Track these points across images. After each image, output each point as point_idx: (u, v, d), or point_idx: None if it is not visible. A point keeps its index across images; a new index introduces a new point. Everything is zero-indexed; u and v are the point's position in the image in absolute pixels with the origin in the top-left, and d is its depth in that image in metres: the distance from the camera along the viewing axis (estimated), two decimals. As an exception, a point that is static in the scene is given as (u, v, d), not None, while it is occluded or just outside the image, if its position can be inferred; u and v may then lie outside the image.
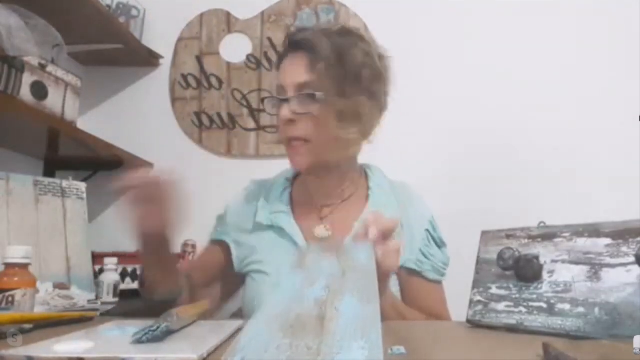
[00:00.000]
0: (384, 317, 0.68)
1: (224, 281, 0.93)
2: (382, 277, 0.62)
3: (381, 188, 0.89)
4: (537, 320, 0.55)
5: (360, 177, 0.92)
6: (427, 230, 0.86)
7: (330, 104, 0.77)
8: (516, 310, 0.58)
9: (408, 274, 0.84)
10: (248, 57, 1.62)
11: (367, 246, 0.55)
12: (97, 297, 1.04)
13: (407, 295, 0.84)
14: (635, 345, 0.39)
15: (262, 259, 0.86)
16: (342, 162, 0.85)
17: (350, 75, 0.78)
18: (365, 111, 0.80)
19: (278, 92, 0.83)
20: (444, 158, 1.52)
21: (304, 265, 0.52)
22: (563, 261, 0.56)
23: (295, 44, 0.82)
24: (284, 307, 0.40)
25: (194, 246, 1.45)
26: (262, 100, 0.90)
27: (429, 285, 0.85)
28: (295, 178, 0.95)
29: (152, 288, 0.76)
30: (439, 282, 0.88)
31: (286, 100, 0.80)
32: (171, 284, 0.78)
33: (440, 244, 0.88)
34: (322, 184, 0.88)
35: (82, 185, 1.10)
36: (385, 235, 0.58)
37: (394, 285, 0.82)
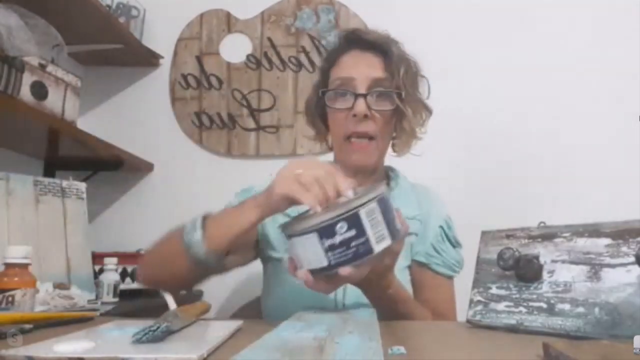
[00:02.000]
0: (391, 303, 0.69)
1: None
2: (380, 274, 0.64)
3: (401, 188, 0.91)
4: (537, 320, 0.55)
5: (383, 177, 0.94)
6: (441, 227, 0.87)
7: (408, 102, 0.82)
8: (516, 310, 0.58)
9: (417, 266, 0.85)
10: (248, 57, 1.62)
11: (371, 310, 0.61)
12: (97, 297, 1.04)
13: (415, 289, 0.84)
14: (635, 345, 0.38)
15: (277, 246, 0.87)
16: (381, 163, 0.90)
17: (415, 81, 0.86)
18: (423, 116, 0.88)
19: (343, 84, 0.83)
20: (444, 158, 1.51)
21: (305, 318, 0.54)
22: (563, 261, 0.56)
23: (366, 43, 0.84)
24: (282, 341, 0.40)
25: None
26: (323, 92, 0.85)
27: (436, 278, 0.85)
28: None
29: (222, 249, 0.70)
30: (448, 277, 0.87)
31: (361, 95, 0.80)
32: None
33: (454, 244, 0.89)
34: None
35: (82, 185, 1.10)
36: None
37: (406, 282, 0.83)
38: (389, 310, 0.69)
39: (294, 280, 0.82)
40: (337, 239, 0.53)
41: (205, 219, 0.69)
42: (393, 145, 0.92)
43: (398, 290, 0.70)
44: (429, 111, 0.90)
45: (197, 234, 0.67)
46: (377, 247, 0.54)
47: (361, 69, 0.82)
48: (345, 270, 0.55)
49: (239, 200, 0.90)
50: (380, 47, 0.84)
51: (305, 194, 0.59)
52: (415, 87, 0.86)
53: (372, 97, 0.81)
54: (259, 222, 0.68)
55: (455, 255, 0.88)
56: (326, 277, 0.57)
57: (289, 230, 0.59)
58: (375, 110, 0.81)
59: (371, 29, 0.90)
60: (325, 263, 0.55)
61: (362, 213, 0.54)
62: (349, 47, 0.86)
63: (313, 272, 0.57)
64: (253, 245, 0.89)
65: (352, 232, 0.53)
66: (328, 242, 0.54)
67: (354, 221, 0.53)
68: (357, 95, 0.80)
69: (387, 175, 0.95)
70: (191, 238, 0.67)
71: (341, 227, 0.53)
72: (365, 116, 0.80)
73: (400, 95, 0.82)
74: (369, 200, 0.54)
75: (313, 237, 0.54)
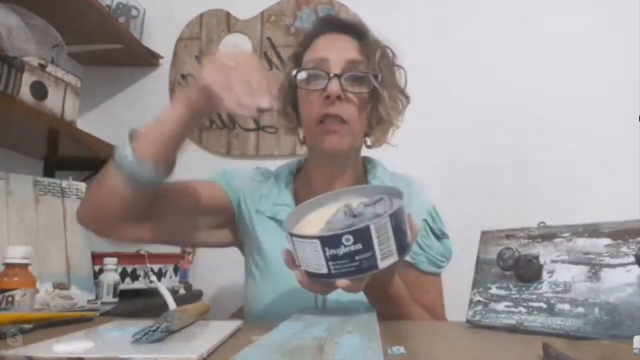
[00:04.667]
0: (390, 302, 0.67)
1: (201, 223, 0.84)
2: (383, 277, 0.62)
3: (380, 181, 0.87)
4: (537, 321, 0.55)
5: (361, 170, 0.90)
6: (425, 221, 0.84)
7: (385, 87, 0.79)
8: (516, 310, 0.58)
9: (403, 265, 0.79)
10: (248, 57, 1.62)
11: (370, 310, 0.60)
12: (97, 297, 1.04)
13: None
14: (635, 346, 0.38)
15: (263, 248, 0.83)
16: (357, 153, 0.86)
17: (391, 69, 0.83)
18: (400, 104, 0.85)
19: (316, 66, 0.79)
20: (444, 158, 1.52)
21: (304, 319, 0.54)
22: (563, 261, 0.56)
23: (341, 25, 0.82)
24: (282, 341, 0.40)
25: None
26: (295, 74, 0.81)
27: (423, 277, 0.83)
28: (297, 172, 0.93)
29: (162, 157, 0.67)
30: (434, 275, 0.85)
31: (336, 76, 0.76)
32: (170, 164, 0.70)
33: (440, 236, 0.86)
34: (331, 176, 0.85)
35: (82, 186, 1.10)
36: None
37: None
38: (388, 308, 0.68)
39: (272, 282, 0.80)
40: (342, 250, 0.51)
41: (133, 132, 0.67)
42: (370, 136, 0.88)
43: (398, 289, 0.69)
44: (406, 98, 0.86)
45: (126, 147, 0.65)
46: (382, 264, 0.52)
47: (335, 50, 0.78)
48: (343, 283, 0.53)
49: (224, 177, 0.88)
50: (355, 30, 0.81)
51: (226, 94, 0.56)
52: (392, 74, 0.83)
53: (347, 79, 0.77)
54: (189, 118, 0.65)
55: (441, 249, 0.84)
56: (323, 283, 0.55)
57: (290, 228, 0.57)
58: (350, 92, 0.77)
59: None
60: (324, 271, 0.52)
61: (373, 228, 0.50)
62: (324, 30, 0.82)
63: (310, 274, 0.55)
64: (226, 224, 0.86)
65: (359, 247, 0.50)
66: (331, 252, 0.51)
67: (362, 236, 0.50)
68: (331, 76, 0.76)
69: (365, 167, 0.91)
70: (121, 153, 0.65)
71: (348, 239, 0.50)
72: (339, 98, 0.75)
73: (377, 78, 0.78)
74: (383, 215, 0.52)
75: (316, 244, 0.52)
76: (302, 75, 0.80)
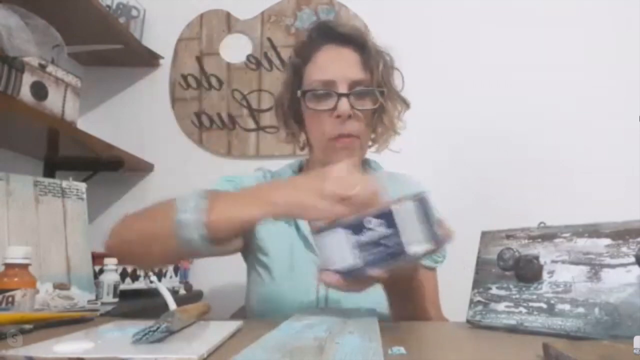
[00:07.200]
0: (412, 295, 0.66)
1: None
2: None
3: (380, 179, 0.87)
4: (537, 321, 0.55)
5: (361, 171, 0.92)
6: None
7: (388, 98, 0.82)
8: (516, 310, 0.58)
9: None
10: (248, 57, 1.62)
11: (371, 310, 0.60)
12: (97, 297, 1.04)
13: None
14: (635, 346, 0.38)
15: (267, 249, 0.84)
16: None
17: (391, 75, 0.85)
18: (400, 109, 0.87)
19: (323, 87, 0.79)
20: (444, 158, 1.52)
21: (305, 319, 0.54)
22: (563, 261, 0.56)
23: (340, 37, 0.81)
24: (282, 341, 0.40)
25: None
26: (304, 93, 0.81)
27: (421, 270, 0.82)
28: (299, 172, 0.94)
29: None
30: (430, 269, 0.87)
31: (344, 95, 0.78)
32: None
33: None
34: None
35: (82, 186, 1.10)
36: None
37: None
38: (409, 303, 0.65)
39: (274, 282, 0.80)
40: (366, 236, 0.49)
41: (205, 198, 0.58)
42: (374, 144, 0.90)
43: (419, 282, 0.67)
44: (406, 104, 0.88)
45: (196, 215, 0.55)
46: (411, 249, 0.49)
47: (340, 68, 0.79)
48: (375, 272, 0.50)
49: (228, 182, 0.89)
50: (355, 41, 0.81)
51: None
52: (392, 80, 0.86)
53: (354, 96, 0.79)
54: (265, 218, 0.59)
55: None
56: (355, 277, 0.51)
57: (318, 226, 0.54)
58: (358, 109, 0.79)
59: (342, 21, 0.87)
60: (351, 261, 0.50)
61: (396, 211, 0.48)
62: (323, 42, 0.83)
63: (341, 272, 0.52)
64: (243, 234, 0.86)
65: (383, 231, 0.48)
66: (355, 239, 0.49)
67: (386, 219, 0.48)
68: (339, 95, 0.78)
69: (363, 167, 0.92)
70: (187, 218, 0.55)
71: (369, 221, 0.48)
72: (349, 116, 0.78)
73: (383, 93, 0.81)
74: (406, 199, 0.49)
75: (340, 234, 0.50)
76: (309, 96, 0.81)
